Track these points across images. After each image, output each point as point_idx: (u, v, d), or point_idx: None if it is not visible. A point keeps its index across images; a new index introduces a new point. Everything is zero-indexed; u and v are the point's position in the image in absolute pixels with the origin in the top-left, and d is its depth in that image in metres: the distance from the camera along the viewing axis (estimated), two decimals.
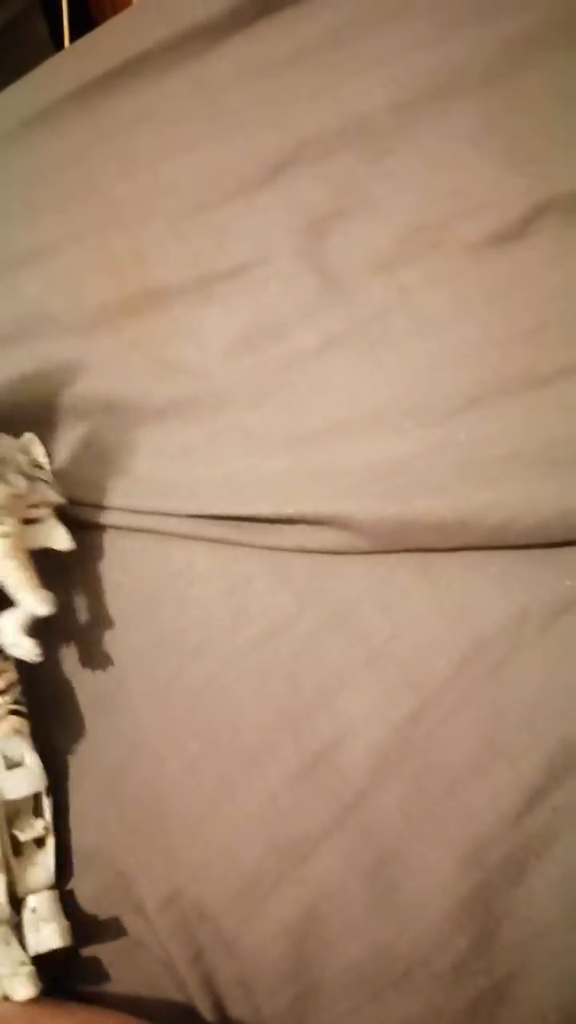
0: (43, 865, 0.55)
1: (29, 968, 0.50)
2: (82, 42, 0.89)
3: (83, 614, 0.62)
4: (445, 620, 0.57)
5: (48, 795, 0.55)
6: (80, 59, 0.87)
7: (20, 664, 0.58)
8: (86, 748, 0.58)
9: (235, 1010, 0.53)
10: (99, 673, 0.60)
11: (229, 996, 0.52)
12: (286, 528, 0.59)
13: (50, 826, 0.55)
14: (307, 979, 0.51)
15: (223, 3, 0.84)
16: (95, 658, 0.60)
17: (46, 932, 0.52)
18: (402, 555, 0.58)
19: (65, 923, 0.53)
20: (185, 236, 0.74)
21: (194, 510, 0.60)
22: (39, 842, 0.55)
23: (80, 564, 0.62)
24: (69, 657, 0.61)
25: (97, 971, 0.55)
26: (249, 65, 0.82)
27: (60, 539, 0.58)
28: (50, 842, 0.55)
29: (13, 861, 0.54)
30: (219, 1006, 0.53)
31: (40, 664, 0.58)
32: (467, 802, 0.53)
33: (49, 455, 0.62)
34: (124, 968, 0.54)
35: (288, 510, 0.57)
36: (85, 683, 0.60)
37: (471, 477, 0.58)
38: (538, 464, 0.57)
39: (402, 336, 0.66)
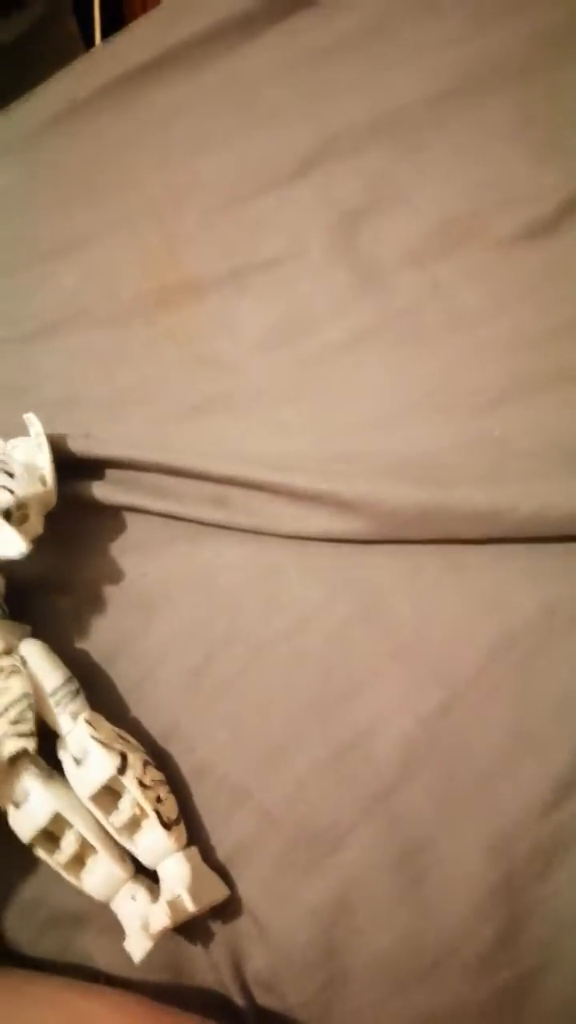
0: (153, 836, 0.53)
1: None
2: (117, 37, 0.90)
3: (110, 602, 0.62)
4: (474, 613, 0.57)
5: (123, 772, 0.52)
6: (115, 54, 0.87)
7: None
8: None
9: (262, 998, 0.53)
10: (128, 662, 0.60)
11: (258, 983, 0.53)
12: (312, 514, 0.58)
13: (139, 797, 0.52)
14: (334, 967, 0.52)
15: None
16: (123, 647, 0.61)
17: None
18: (432, 548, 0.58)
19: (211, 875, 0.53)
20: (219, 229, 0.74)
21: (223, 472, 0.60)
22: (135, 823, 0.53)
23: (107, 552, 0.63)
24: (97, 646, 0.61)
25: (126, 957, 0.55)
26: (283, 59, 0.83)
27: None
28: (149, 813, 0.52)
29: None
30: (247, 993, 0.53)
31: (69, 653, 0.59)
32: (495, 794, 0.53)
33: (81, 445, 0.63)
34: (154, 953, 0.55)
35: (322, 486, 0.57)
36: (114, 672, 0.60)
37: (504, 469, 0.58)
38: (572, 458, 0.57)
39: (434, 330, 0.66)
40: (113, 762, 0.52)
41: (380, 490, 0.56)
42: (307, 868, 0.53)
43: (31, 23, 1.29)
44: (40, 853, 0.52)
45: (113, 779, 0.52)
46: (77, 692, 0.56)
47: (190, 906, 0.50)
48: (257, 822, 0.55)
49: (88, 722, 0.54)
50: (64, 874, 0.52)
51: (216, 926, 0.54)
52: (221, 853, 0.55)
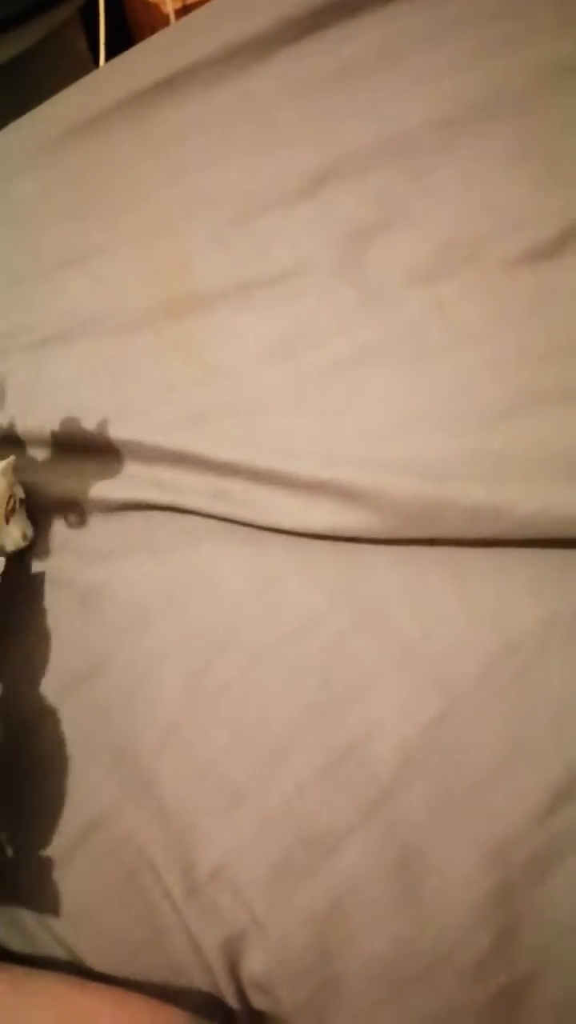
0: None
1: None
2: (131, 53, 0.92)
3: (112, 602, 0.63)
4: (475, 623, 0.58)
5: None
6: (128, 71, 0.89)
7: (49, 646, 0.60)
8: (118, 737, 0.59)
9: (257, 1001, 0.53)
10: (128, 662, 0.61)
11: (252, 985, 0.53)
12: (314, 507, 0.59)
13: None
14: (330, 971, 0.52)
15: (270, 20, 0.86)
16: (124, 646, 0.61)
17: None
18: (434, 557, 0.59)
19: None
20: (228, 244, 0.76)
21: (227, 458, 0.61)
22: None
23: (109, 552, 0.64)
24: (98, 644, 0.62)
25: (122, 958, 0.55)
26: (294, 81, 0.85)
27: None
28: None
29: None
30: (242, 995, 0.53)
31: (70, 650, 0.60)
32: (492, 801, 0.53)
33: (87, 453, 0.64)
34: (148, 955, 0.55)
35: (325, 475, 0.58)
36: (114, 670, 0.61)
37: (505, 475, 0.59)
38: (572, 470, 0.59)
39: (437, 348, 0.68)
40: None
41: (383, 482, 0.58)
42: (304, 872, 0.54)
43: (39, 38, 1.31)
44: None
45: None
46: None
47: None
48: (255, 825, 0.55)
49: None
50: None
51: (211, 927, 0.54)
52: (219, 854, 0.55)
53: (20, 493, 0.63)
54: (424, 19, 0.85)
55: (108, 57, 0.96)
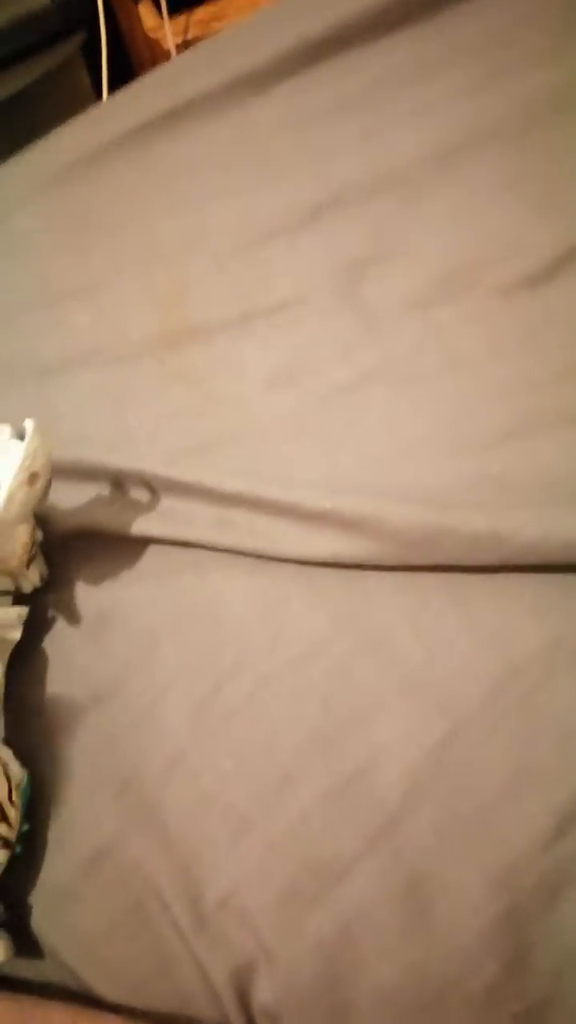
0: None
1: None
2: (132, 88, 0.94)
3: (120, 630, 0.63)
4: (478, 647, 0.58)
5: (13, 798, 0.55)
6: (129, 105, 0.91)
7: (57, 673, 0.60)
8: (125, 765, 0.59)
9: None
10: (136, 690, 0.61)
11: (262, 1014, 0.53)
12: (317, 536, 0.60)
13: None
14: (339, 999, 0.52)
15: (268, 55, 0.88)
16: (132, 674, 0.62)
17: None
18: (437, 583, 0.60)
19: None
20: (227, 274, 0.77)
21: (231, 489, 0.61)
22: None
23: (117, 581, 0.64)
24: (105, 672, 0.62)
25: (129, 988, 0.55)
26: (292, 114, 0.86)
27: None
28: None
29: None
30: None
31: (77, 678, 0.60)
32: (498, 826, 0.53)
33: (91, 483, 0.65)
34: (157, 985, 0.55)
35: (327, 504, 0.59)
36: (121, 699, 0.61)
37: (504, 501, 0.60)
38: (572, 497, 0.59)
39: (436, 374, 0.68)
40: None
41: (384, 511, 0.58)
42: (312, 899, 0.53)
43: (42, 74, 1.33)
44: None
45: None
46: None
47: None
48: (261, 853, 0.55)
49: None
50: None
51: (220, 957, 0.54)
52: (226, 882, 0.55)
53: (39, 536, 0.64)
54: (417, 52, 0.87)
55: (110, 92, 0.97)
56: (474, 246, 0.74)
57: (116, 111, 0.93)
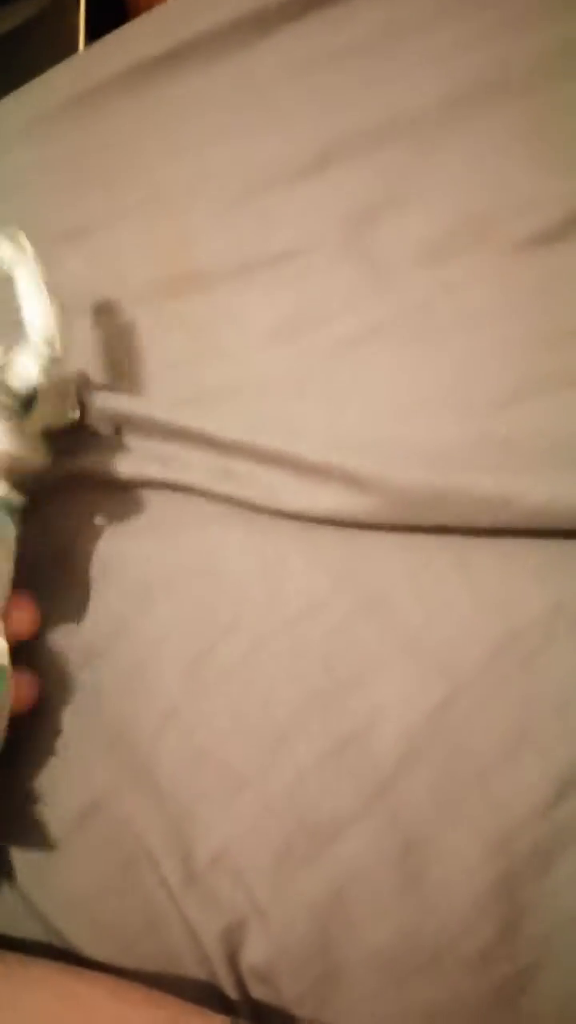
0: None
1: None
2: (131, 26, 0.90)
3: (113, 584, 0.62)
4: (480, 610, 0.57)
5: None
6: (128, 43, 0.87)
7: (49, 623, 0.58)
8: (117, 720, 0.58)
9: (256, 990, 0.53)
10: (128, 645, 0.60)
11: (252, 975, 0.52)
12: (320, 490, 0.58)
13: None
14: (331, 960, 0.51)
15: None
16: (124, 629, 0.60)
17: None
18: (440, 543, 0.58)
19: None
20: (230, 221, 0.74)
21: (233, 437, 0.60)
22: None
23: (111, 533, 0.63)
24: (97, 626, 0.61)
25: (117, 947, 0.54)
26: (298, 58, 0.83)
27: None
28: None
29: None
30: (241, 985, 0.53)
31: (68, 630, 0.58)
32: (496, 790, 0.53)
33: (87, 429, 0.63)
34: (144, 944, 0.54)
35: (332, 458, 0.57)
36: (113, 653, 0.60)
37: (512, 463, 0.58)
38: None
39: (445, 329, 0.66)
40: None
41: (389, 468, 0.56)
42: (306, 859, 0.53)
43: (35, 12, 1.29)
44: None
45: None
46: None
47: None
48: (256, 811, 0.54)
49: None
50: None
51: (210, 916, 0.53)
52: (218, 841, 0.54)
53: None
54: None
55: (104, 33, 0.93)
56: (485, 199, 0.71)
57: (114, 50, 0.89)
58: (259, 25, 0.86)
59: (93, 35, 1.35)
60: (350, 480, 0.57)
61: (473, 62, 0.79)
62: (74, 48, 0.96)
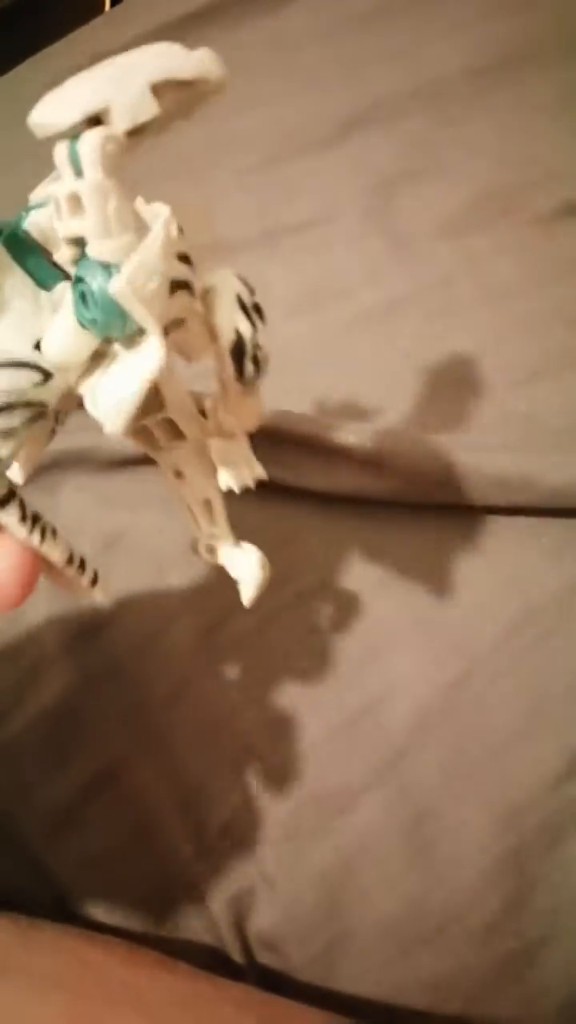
0: None
1: None
2: None
3: (126, 557, 0.62)
4: (495, 587, 0.57)
5: None
6: (152, 6, 0.86)
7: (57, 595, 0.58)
8: (130, 689, 0.58)
9: (263, 957, 0.53)
10: (141, 617, 0.60)
11: (259, 942, 0.53)
12: (340, 470, 0.58)
13: None
14: (339, 929, 0.52)
15: None
16: (137, 602, 0.60)
17: None
18: (455, 520, 0.58)
19: None
20: (253, 189, 0.73)
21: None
22: None
23: (125, 505, 0.62)
24: (113, 595, 0.61)
25: (127, 912, 0.55)
26: (324, 24, 0.82)
27: None
28: None
29: None
30: (248, 951, 0.53)
31: (80, 602, 0.58)
32: (507, 766, 0.53)
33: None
34: (153, 909, 0.55)
35: (351, 439, 0.57)
36: (125, 625, 0.60)
37: (533, 442, 0.58)
38: None
39: (468, 304, 0.66)
40: None
41: (409, 446, 0.56)
42: (316, 829, 0.53)
43: None
44: None
45: None
46: None
47: None
48: (267, 781, 0.55)
49: None
50: None
51: (219, 883, 0.54)
52: (229, 810, 0.54)
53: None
54: None
55: None
56: (513, 170, 0.70)
57: (138, 12, 0.87)
58: None
59: None
60: (369, 459, 0.57)
61: (504, 30, 0.78)
62: (99, 10, 0.94)
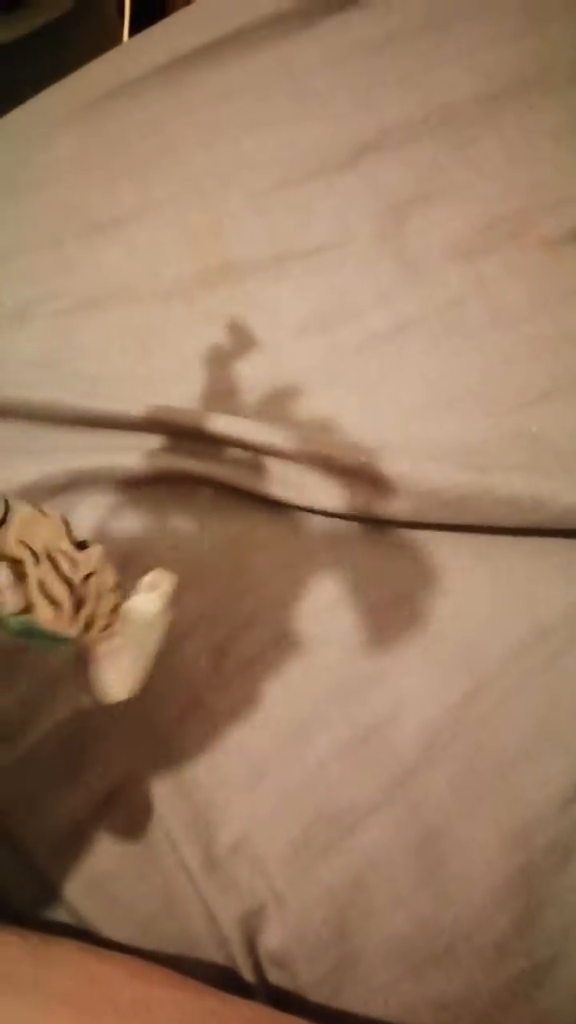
0: None
1: None
2: (172, 18, 0.90)
3: (140, 574, 0.62)
4: (505, 606, 0.57)
5: None
6: (170, 35, 0.88)
7: None
8: (140, 707, 0.59)
9: (274, 975, 0.53)
10: None
11: (269, 960, 0.53)
12: (349, 490, 0.59)
13: None
14: (348, 947, 0.52)
15: None
16: None
17: None
18: (465, 540, 0.59)
19: None
20: (264, 212, 0.75)
21: (258, 439, 0.60)
22: None
23: (139, 522, 0.63)
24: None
25: (136, 928, 0.55)
26: (337, 50, 0.83)
27: None
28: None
29: None
30: (259, 969, 0.53)
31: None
32: (516, 785, 0.53)
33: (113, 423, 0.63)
34: (163, 926, 0.55)
35: (360, 459, 0.58)
36: None
37: (543, 463, 0.58)
38: None
39: (478, 326, 0.66)
40: None
41: (420, 469, 0.57)
42: (325, 847, 0.53)
43: (70, 5, 1.29)
44: None
45: None
46: None
47: None
48: (276, 799, 0.55)
49: None
50: None
51: (230, 901, 0.54)
52: (239, 827, 0.55)
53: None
54: None
55: (138, 22, 0.93)
56: (522, 194, 0.71)
57: (155, 42, 0.89)
58: (300, 17, 0.86)
59: (136, 26, 1.36)
60: (380, 480, 0.57)
61: (513, 55, 0.79)
62: (117, 39, 0.96)
